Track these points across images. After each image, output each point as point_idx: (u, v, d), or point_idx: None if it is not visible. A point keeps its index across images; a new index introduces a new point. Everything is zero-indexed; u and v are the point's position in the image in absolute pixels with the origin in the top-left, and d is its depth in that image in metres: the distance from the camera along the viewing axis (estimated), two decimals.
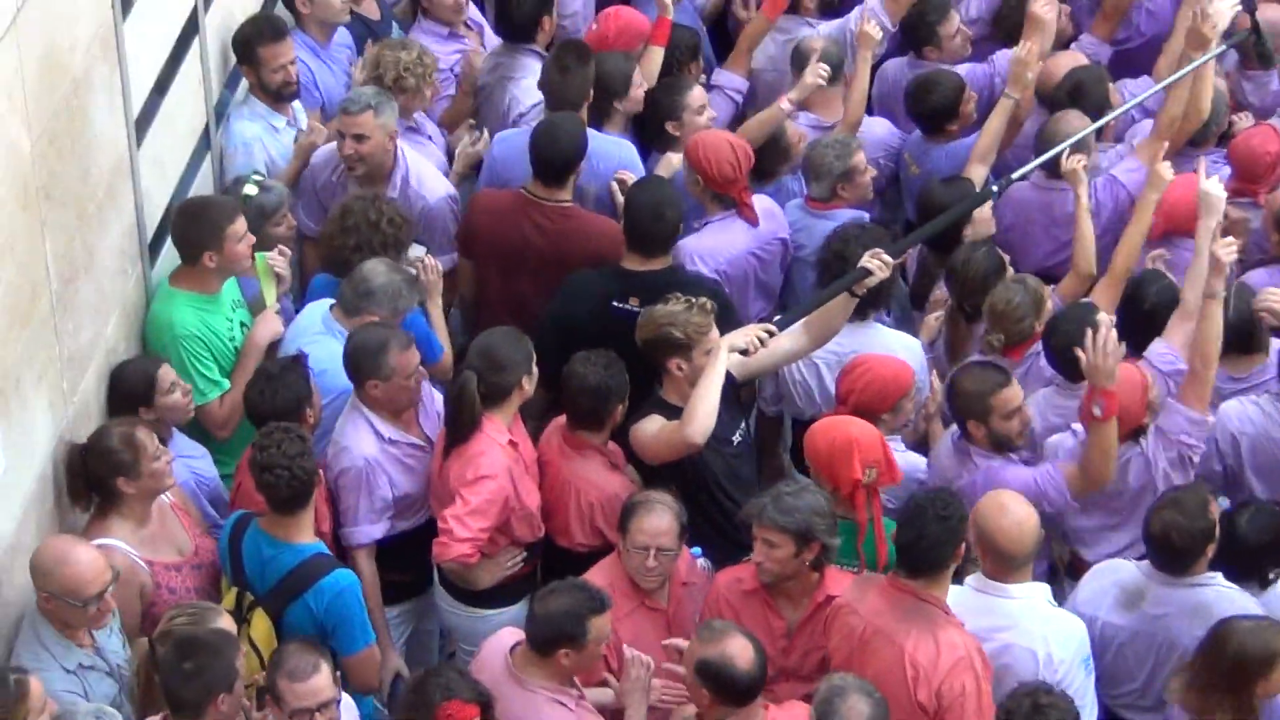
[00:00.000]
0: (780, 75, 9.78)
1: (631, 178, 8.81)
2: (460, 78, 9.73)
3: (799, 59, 9.47)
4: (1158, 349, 8.01)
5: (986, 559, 7.00)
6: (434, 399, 7.74)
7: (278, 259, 8.24)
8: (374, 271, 7.89)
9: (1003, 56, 9.63)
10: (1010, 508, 6.97)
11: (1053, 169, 8.84)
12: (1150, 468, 7.67)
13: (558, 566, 7.60)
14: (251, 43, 8.90)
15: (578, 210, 8.71)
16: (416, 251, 8.48)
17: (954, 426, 7.80)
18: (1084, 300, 8.32)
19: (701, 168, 8.63)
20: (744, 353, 7.67)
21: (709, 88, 9.60)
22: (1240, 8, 8.98)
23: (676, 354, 7.62)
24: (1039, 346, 8.14)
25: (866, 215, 9.02)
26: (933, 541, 6.72)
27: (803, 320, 7.90)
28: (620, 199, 8.74)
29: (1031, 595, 6.96)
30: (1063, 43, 9.98)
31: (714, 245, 8.68)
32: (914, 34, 9.84)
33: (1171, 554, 7.11)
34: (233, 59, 9.09)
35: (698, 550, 7.50)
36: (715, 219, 8.76)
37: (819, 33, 9.67)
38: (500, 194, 8.86)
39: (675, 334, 7.60)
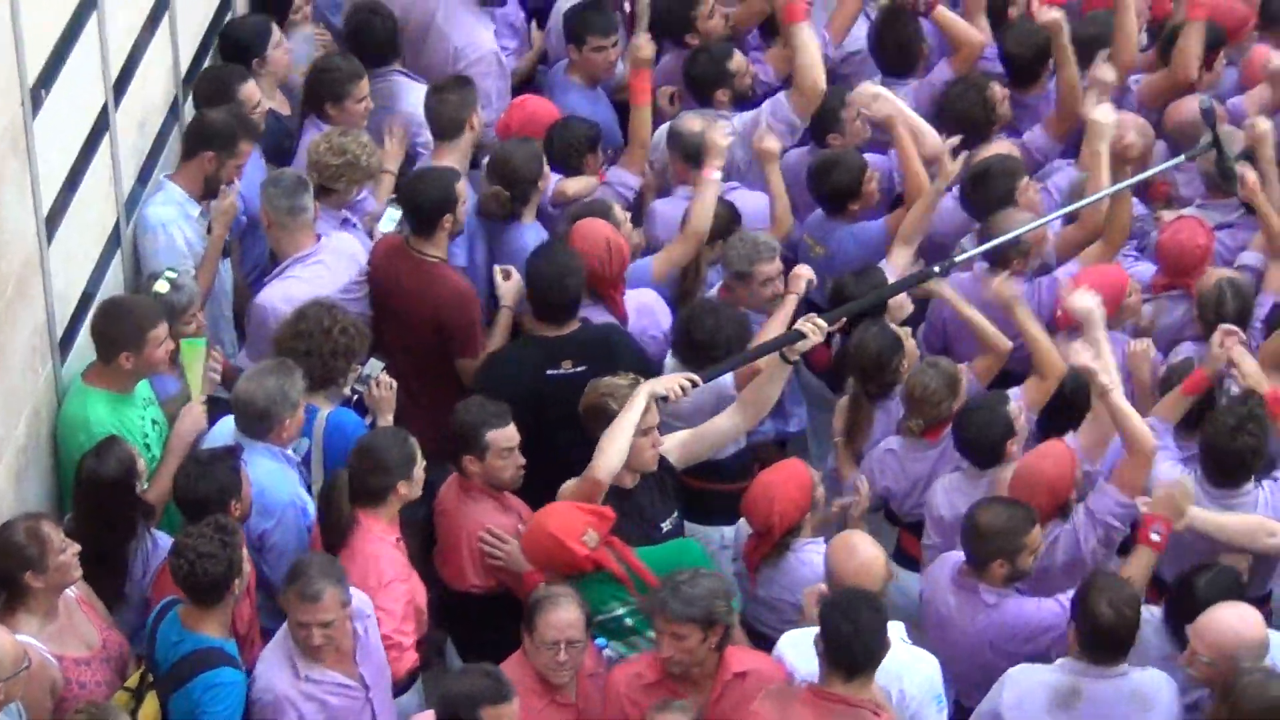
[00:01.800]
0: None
1: (512, 274, 8.94)
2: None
3: (684, 147, 9.57)
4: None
5: None
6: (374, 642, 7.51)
7: (211, 370, 8.26)
8: (250, 393, 7.85)
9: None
10: (859, 549, 7.25)
11: (995, 260, 8.95)
12: (1079, 546, 7.78)
13: (458, 614, 7.89)
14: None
15: (440, 269, 8.90)
16: (374, 368, 8.55)
17: (950, 560, 7.77)
18: (996, 391, 8.42)
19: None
20: (663, 399, 7.78)
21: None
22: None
23: (608, 424, 7.72)
24: None
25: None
26: (870, 631, 6.78)
27: (738, 400, 8.09)
28: (502, 287, 8.90)
29: None
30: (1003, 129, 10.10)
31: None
32: (817, 122, 9.94)
33: (1113, 645, 7.16)
34: (145, 154, 9.11)
35: (602, 640, 7.51)
36: (586, 306, 8.79)
37: (733, 125, 9.75)
38: (391, 240, 9.12)
39: (611, 405, 7.74)
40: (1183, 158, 9.29)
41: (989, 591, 7.55)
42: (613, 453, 7.60)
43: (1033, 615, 7.51)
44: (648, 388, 7.74)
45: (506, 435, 7.88)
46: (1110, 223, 9.10)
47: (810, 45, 9.82)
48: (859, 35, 10.59)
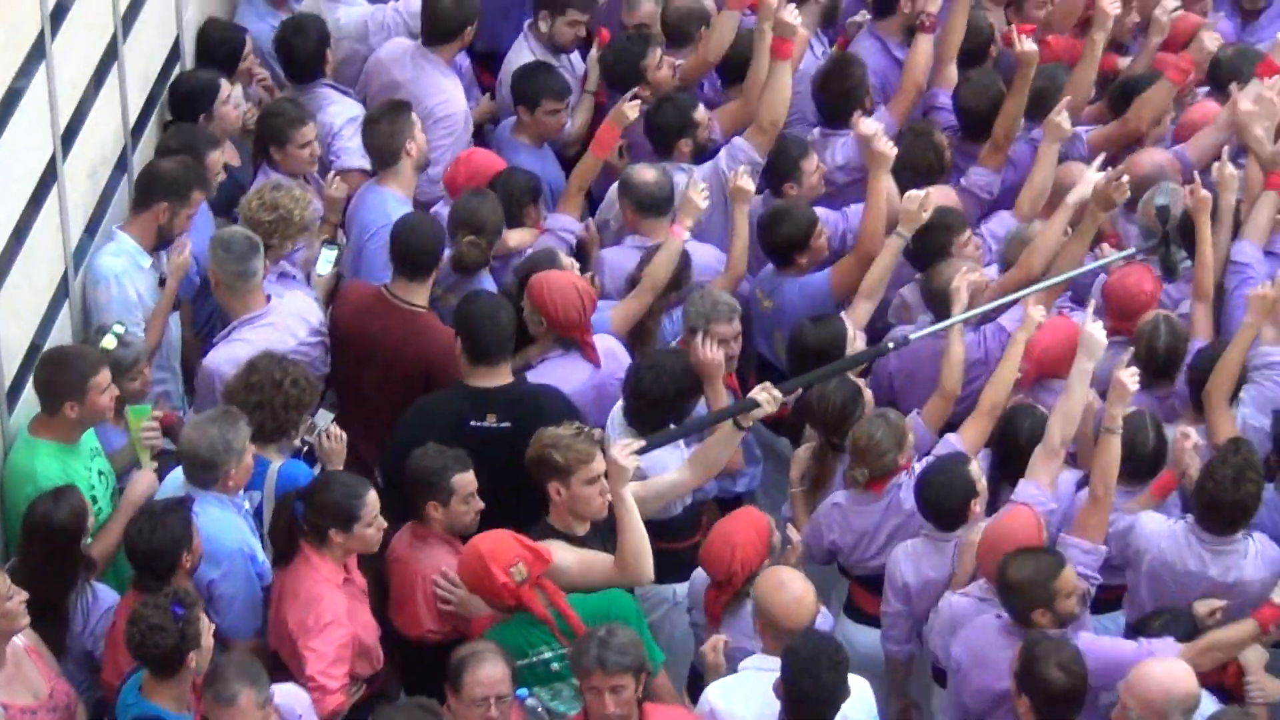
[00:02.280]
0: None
1: None
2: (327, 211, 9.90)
3: (637, 197, 9.71)
4: (1027, 491, 8.19)
5: (767, 635, 7.42)
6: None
7: (150, 433, 8.24)
8: (194, 443, 7.88)
9: (855, 211, 9.86)
10: (788, 584, 7.42)
11: (939, 313, 9.06)
12: None
13: (413, 661, 7.93)
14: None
15: (426, 319, 8.97)
16: (323, 419, 8.67)
17: (993, 612, 7.83)
18: (956, 451, 8.46)
19: (546, 310, 8.82)
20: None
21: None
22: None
23: (555, 477, 7.76)
24: (900, 478, 8.37)
25: None
26: (828, 691, 6.88)
27: (690, 456, 8.17)
28: None
29: None
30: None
31: (553, 382, 8.80)
32: (775, 169, 10.04)
33: (1070, 706, 7.27)
34: (93, 206, 9.12)
35: (523, 691, 7.52)
36: (554, 356, 8.93)
37: (694, 177, 9.84)
38: (364, 288, 9.20)
39: (555, 457, 7.75)
40: (1133, 251, 9.44)
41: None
42: (640, 552, 7.59)
43: (1114, 656, 7.55)
44: (622, 475, 7.62)
45: (468, 480, 7.96)
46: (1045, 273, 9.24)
47: (785, 84, 9.99)
48: None
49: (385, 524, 7.82)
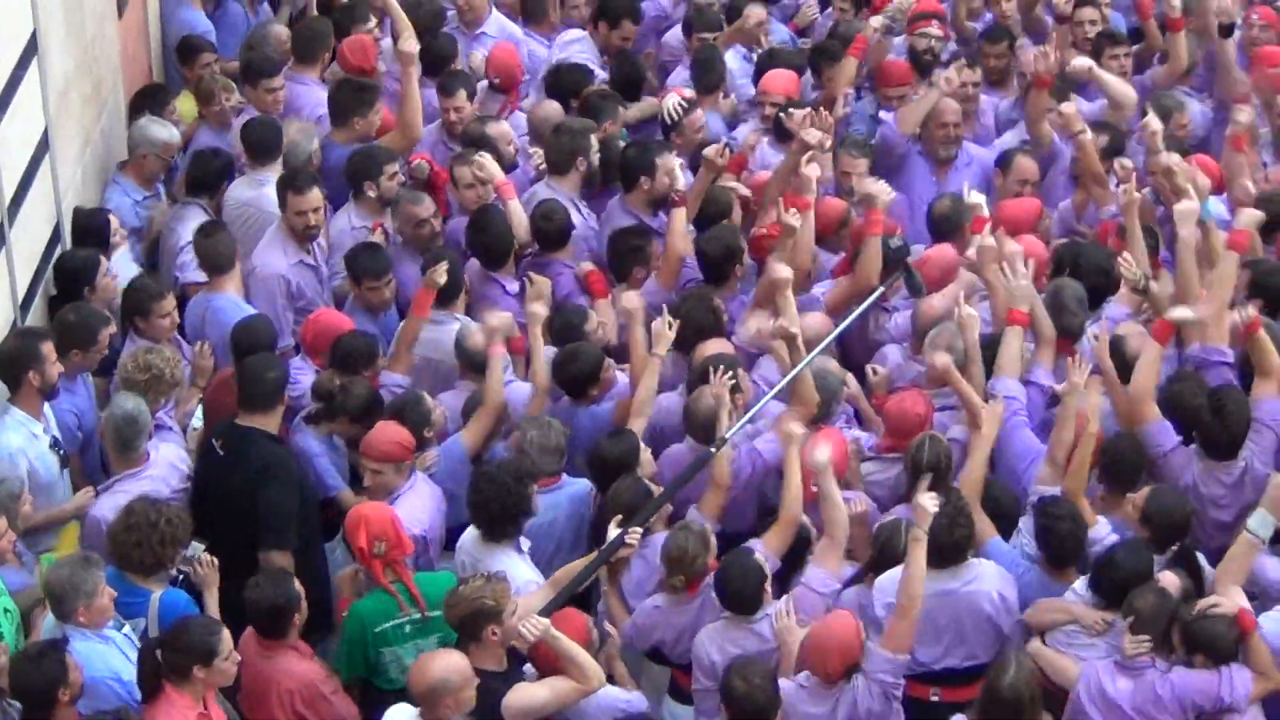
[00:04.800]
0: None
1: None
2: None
3: (466, 357, 10.50)
4: (817, 575, 9.23)
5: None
6: None
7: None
8: (50, 583, 8.51)
9: None
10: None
11: (704, 441, 9.75)
12: (857, 704, 8.69)
13: None
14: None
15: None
16: (195, 550, 9.20)
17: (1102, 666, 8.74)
18: (739, 547, 9.26)
19: (378, 454, 9.60)
20: None
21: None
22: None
23: (491, 621, 8.36)
24: (709, 578, 9.17)
25: None
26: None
27: (547, 582, 9.01)
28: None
29: None
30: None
31: (410, 511, 9.53)
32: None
33: None
34: None
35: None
36: (405, 488, 9.64)
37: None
38: (228, 377, 10.23)
39: (488, 603, 8.33)
40: (882, 288, 10.46)
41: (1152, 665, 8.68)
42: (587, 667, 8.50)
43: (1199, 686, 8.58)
44: (541, 625, 8.43)
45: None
46: (804, 399, 9.94)
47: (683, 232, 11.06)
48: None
49: (240, 658, 8.47)
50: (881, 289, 10.50)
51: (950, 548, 9.06)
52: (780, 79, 12.58)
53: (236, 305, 10.78)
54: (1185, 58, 12.99)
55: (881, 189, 10.99)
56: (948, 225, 11.26)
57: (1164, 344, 9.96)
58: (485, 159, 11.45)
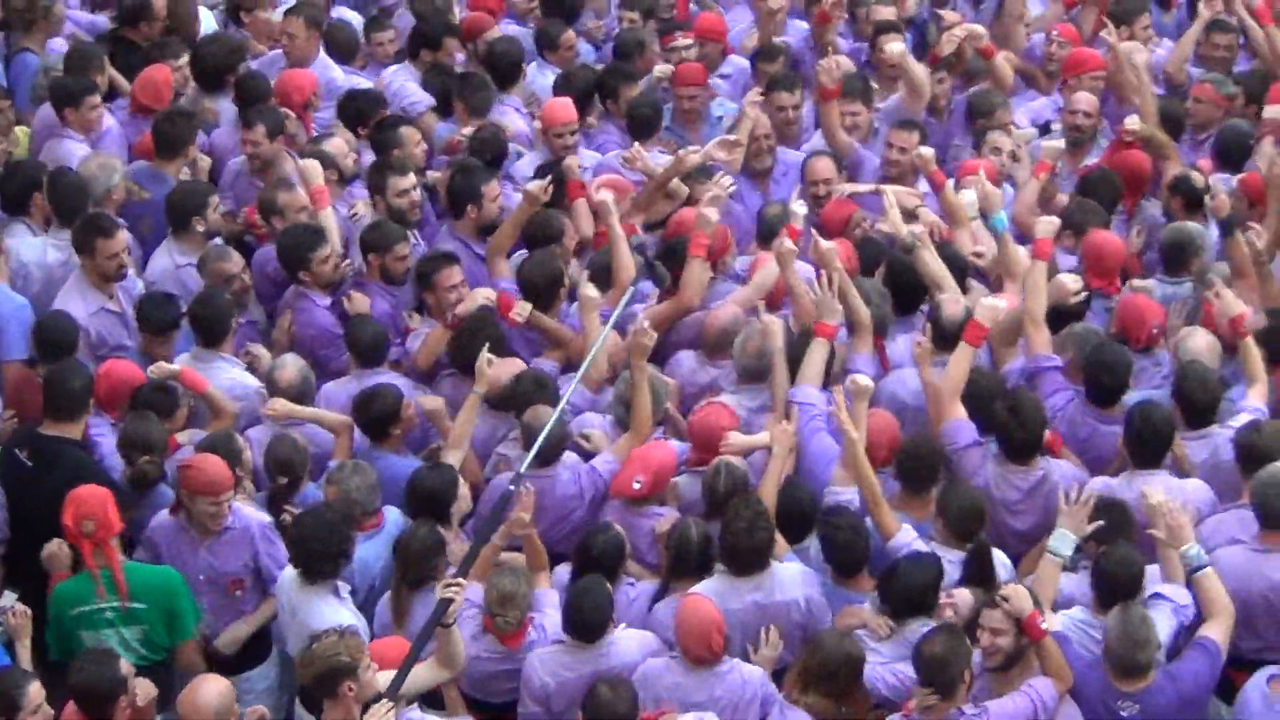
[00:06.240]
0: None
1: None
2: None
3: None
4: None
5: None
6: None
7: None
8: None
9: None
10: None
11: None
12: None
13: None
14: None
15: None
16: (8, 599, 9.44)
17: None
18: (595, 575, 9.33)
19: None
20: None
21: None
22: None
23: (347, 677, 8.30)
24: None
25: None
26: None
27: (434, 659, 8.75)
28: None
29: None
30: None
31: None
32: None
33: None
34: None
35: None
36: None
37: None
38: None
39: (343, 659, 8.29)
40: (631, 290, 10.63)
41: None
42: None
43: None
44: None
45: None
46: (637, 420, 10.18)
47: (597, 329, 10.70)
48: None
49: (51, 711, 8.38)
50: (632, 289, 10.65)
51: (752, 552, 9.27)
52: (559, 109, 12.63)
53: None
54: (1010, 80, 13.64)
55: (712, 214, 11.16)
56: (769, 231, 11.55)
57: (976, 345, 10.21)
58: (308, 164, 11.67)
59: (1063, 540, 9.16)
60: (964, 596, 9.05)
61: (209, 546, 9.65)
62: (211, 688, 8.32)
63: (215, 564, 9.67)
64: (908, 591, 9.14)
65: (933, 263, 10.95)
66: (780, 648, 9.25)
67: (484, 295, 10.85)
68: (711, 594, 9.18)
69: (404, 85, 13.45)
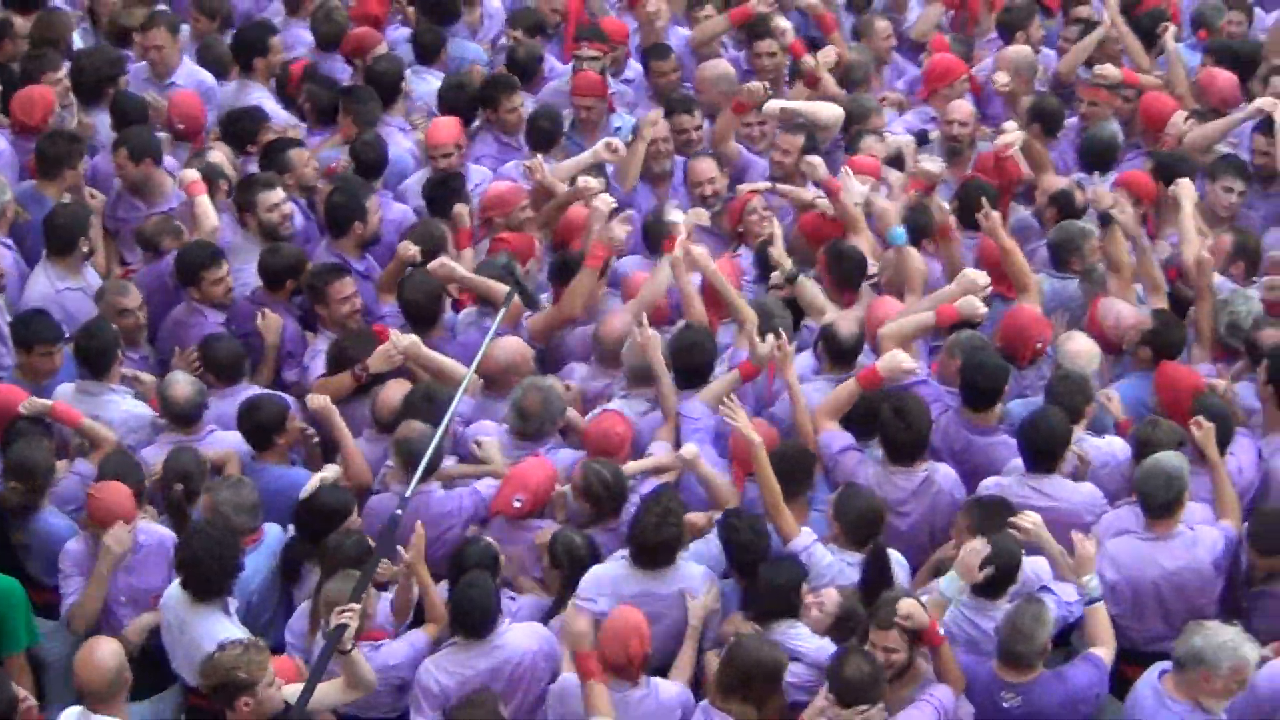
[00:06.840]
0: None
1: None
2: None
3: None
4: None
5: None
6: None
7: None
8: None
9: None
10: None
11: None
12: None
13: None
14: None
15: None
16: None
17: None
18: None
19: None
20: None
21: None
22: None
23: (243, 692, 8.28)
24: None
25: None
26: None
27: (344, 682, 8.78)
28: None
29: None
30: None
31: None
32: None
33: None
34: None
35: None
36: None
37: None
38: None
39: (240, 675, 8.27)
40: (504, 309, 10.53)
41: None
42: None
43: None
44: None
45: None
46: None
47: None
48: None
49: None
50: (504, 309, 10.61)
51: (659, 547, 9.39)
52: (439, 130, 12.65)
53: None
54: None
55: (621, 231, 11.25)
56: (655, 238, 11.70)
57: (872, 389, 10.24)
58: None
59: (951, 584, 9.16)
60: (830, 595, 9.21)
61: (125, 567, 9.65)
62: (106, 647, 8.45)
63: (135, 583, 9.68)
64: (771, 594, 9.26)
65: (812, 289, 11.14)
66: (719, 600, 9.42)
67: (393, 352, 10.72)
68: (607, 580, 9.37)
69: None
